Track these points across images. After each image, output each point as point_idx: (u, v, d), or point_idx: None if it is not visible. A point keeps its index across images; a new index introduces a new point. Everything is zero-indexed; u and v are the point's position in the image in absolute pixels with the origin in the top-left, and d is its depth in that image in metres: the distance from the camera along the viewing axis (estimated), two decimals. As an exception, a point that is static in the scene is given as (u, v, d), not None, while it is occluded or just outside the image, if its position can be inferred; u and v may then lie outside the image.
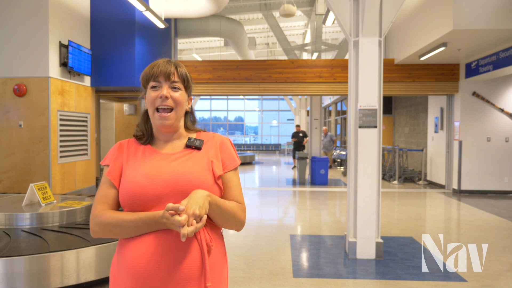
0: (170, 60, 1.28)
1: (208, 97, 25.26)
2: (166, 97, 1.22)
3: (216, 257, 1.20)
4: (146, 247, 1.12)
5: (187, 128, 1.34)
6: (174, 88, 1.25)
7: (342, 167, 13.50)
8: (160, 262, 1.11)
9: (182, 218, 1.03)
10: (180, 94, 1.25)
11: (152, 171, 1.19)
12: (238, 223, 1.25)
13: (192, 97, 1.37)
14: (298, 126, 13.68)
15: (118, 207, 1.25)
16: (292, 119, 24.92)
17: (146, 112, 1.32)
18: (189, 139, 1.28)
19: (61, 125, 6.68)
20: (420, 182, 9.89)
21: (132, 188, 1.16)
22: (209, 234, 1.18)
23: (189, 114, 1.36)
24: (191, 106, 1.36)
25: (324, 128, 13.02)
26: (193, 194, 1.11)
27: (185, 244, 1.12)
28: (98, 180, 8.33)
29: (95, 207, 1.22)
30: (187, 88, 1.30)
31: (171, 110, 1.24)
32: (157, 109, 1.24)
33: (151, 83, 1.25)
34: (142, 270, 1.11)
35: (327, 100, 17.19)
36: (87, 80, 7.70)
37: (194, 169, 1.20)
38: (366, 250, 4.08)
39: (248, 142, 26.93)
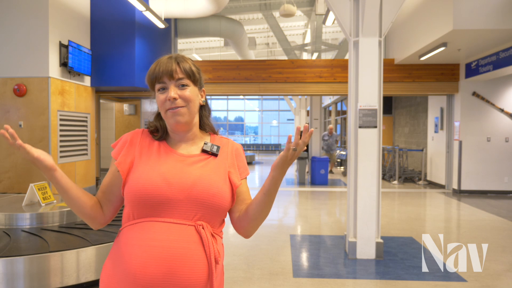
0: (171, 56, 1.20)
1: (208, 97, 25.08)
2: (175, 99, 1.14)
3: (218, 272, 1.16)
4: (150, 257, 1.06)
5: (201, 127, 1.27)
6: (182, 86, 1.17)
7: (342, 167, 13.50)
8: (166, 273, 1.05)
9: None
10: (189, 91, 1.17)
11: (170, 173, 1.13)
12: (259, 225, 1.23)
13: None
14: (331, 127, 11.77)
15: (119, 198, 1.20)
16: (292, 119, 24.92)
17: (158, 114, 1.26)
18: (205, 143, 1.22)
19: (61, 125, 6.68)
20: (420, 182, 9.89)
21: (146, 186, 1.10)
22: (217, 248, 1.14)
23: (204, 107, 1.28)
24: (205, 99, 1.28)
25: (330, 126, 11.65)
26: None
27: (193, 257, 1.08)
28: (98, 180, 8.33)
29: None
30: (196, 82, 1.21)
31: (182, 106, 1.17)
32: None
33: (157, 85, 1.17)
34: (148, 280, 1.05)
35: (327, 100, 17.18)
36: (87, 80, 7.70)
37: (212, 177, 1.15)
38: (366, 250, 4.08)
39: (248, 142, 26.94)
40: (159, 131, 1.24)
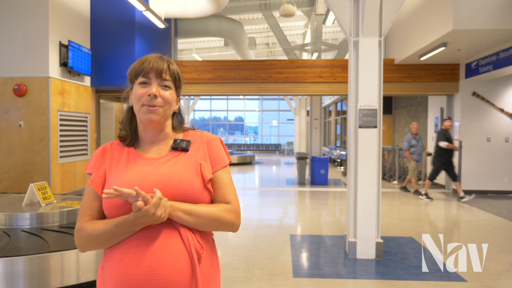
0: (162, 57, 1.21)
1: (208, 97, 25.26)
2: (155, 96, 1.14)
3: (206, 266, 1.13)
4: (131, 256, 1.06)
5: (173, 128, 1.27)
6: (165, 87, 1.18)
7: (342, 167, 13.50)
8: (147, 272, 1.05)
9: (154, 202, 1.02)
10: (169, 94, 1.18)
11: (137, 178, 1.12)
12: (225, 226, 1.15)
13: (181, 97, 1.29)
14: (448, 119, 7.52)
15: (104, 217, 1.18)
16: (292, 119, 24.92)
17: (130, 109, 1.24)
18: (175, 140, 1.21)
19: (61, 125, 6.68)
20: (420, 182, 9.89)
21: (114, 198, 1.08)
22: (199, 241, 1.12)
23: (176, 115, 1.28)
24: (179, 107, 1.29)
25: (414, 124, 8.19)
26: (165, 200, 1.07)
27: (173, 253, 1.07)
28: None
29: (79, 220, 1.15)
30: (178, 87, 1.23)
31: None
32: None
33: (140, 79, 1.17)
34: (128, 281, 1.05)
35: (327, 100, 17.19)
36: (87, 80, 7.70)
37: (182, 173, 1.13)
38: (366, 250, 4.08)
39: (248, 142, 26.94)
40: (129, 135, 1.23)
